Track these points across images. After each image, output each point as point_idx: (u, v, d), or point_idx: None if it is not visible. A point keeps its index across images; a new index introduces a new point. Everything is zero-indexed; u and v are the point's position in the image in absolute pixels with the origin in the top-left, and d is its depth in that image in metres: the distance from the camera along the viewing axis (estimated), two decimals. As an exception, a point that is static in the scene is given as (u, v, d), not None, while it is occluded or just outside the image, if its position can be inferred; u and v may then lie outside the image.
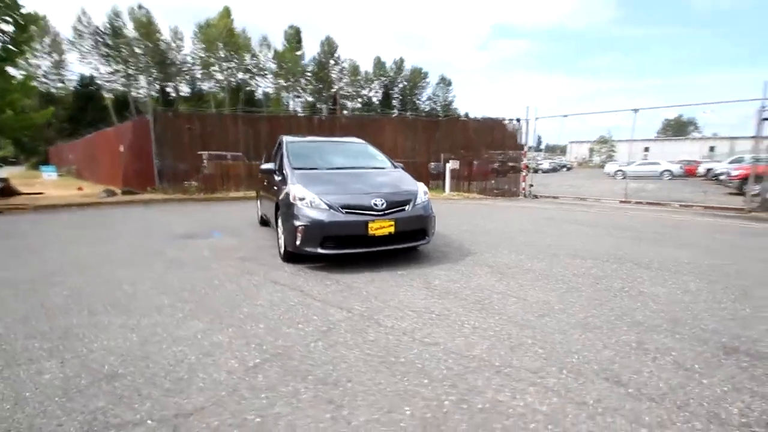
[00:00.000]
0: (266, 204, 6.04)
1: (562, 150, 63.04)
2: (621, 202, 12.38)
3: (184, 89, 51.84)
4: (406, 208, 4.32)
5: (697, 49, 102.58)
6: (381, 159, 5.60)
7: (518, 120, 14.18)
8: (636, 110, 12.44)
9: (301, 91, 58.64)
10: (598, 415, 1.80)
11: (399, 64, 63.74)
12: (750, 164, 15.68)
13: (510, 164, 13.69)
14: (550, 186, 15.27)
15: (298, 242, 4.08)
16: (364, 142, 6.20)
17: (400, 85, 65.14)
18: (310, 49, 64.97)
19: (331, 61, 58.79)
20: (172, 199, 11.83)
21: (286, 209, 4.26)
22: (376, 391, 1.98)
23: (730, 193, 14.91)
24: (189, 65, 49.47)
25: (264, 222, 6.86)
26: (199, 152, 13.51)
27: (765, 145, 10.01)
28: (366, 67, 63.54)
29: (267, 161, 6.38)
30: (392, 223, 4.14)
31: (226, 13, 49.14)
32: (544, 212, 9.44)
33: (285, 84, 56.65)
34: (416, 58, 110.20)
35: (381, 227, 4.10)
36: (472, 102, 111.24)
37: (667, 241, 5.88)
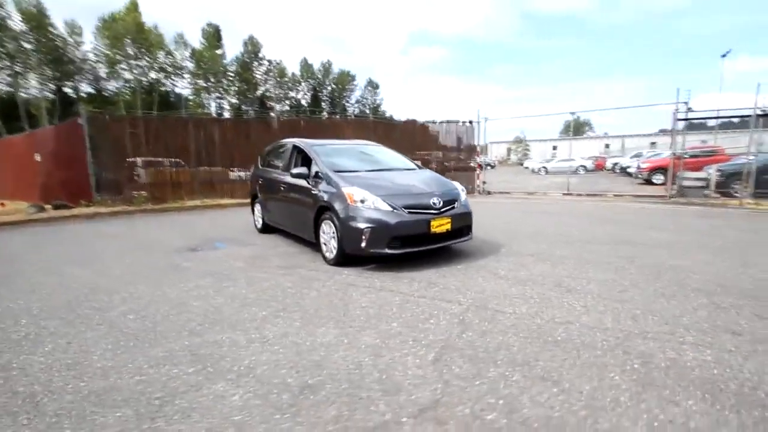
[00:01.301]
0: (282, 209, 5.82)
1: (482, 149, 68.02)
2: (564, 194, 13.92)
3: (87, 89, 45.91)
4: (456, 205, 4.56)
5: (592, 59, 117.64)
6: (403, 159, 5.77)
7: (470, 122, 15.21)
8: (573, 113, 14.10)
9: (223, 92, 55.43)
10: (752, 355, 2.22)
11: (327, 67, 63.45)
12: (659, 158, 18.59)
13: (467, 163, 14.60)
14: (491, 183, 16.52)
15: (363, 244, 4.10)
16: (377, 144, 6.29)
17: (329, 88, 64.85)
18: (232, 49, 61.76)
19: (255, 62, 56.46)
20: (121, 212, 10.62)
21: (344, 212, 4.23)
22: (569, 366, 2.20)
23: (640, 183, 17.52)
24: (91, 63, 43.91)
25: (267, 228, 6.58)
26: (130, 159, 12.20)
27: (679, 141, 12.01)
28: (293, 68, 62.15)
29: (268, 165, 6.17)
30: (449, 220, 4.36)
31: (134, 6, 44.60)
32: (513, 206, 10.31)
33: (205, 84, 53.09)
34: (342, 61, 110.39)
35: (440, 225, 4.29)
36: (397, 105, 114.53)
37: (640, 225, 6.89)
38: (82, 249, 5.86)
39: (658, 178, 17.00)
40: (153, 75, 48.27)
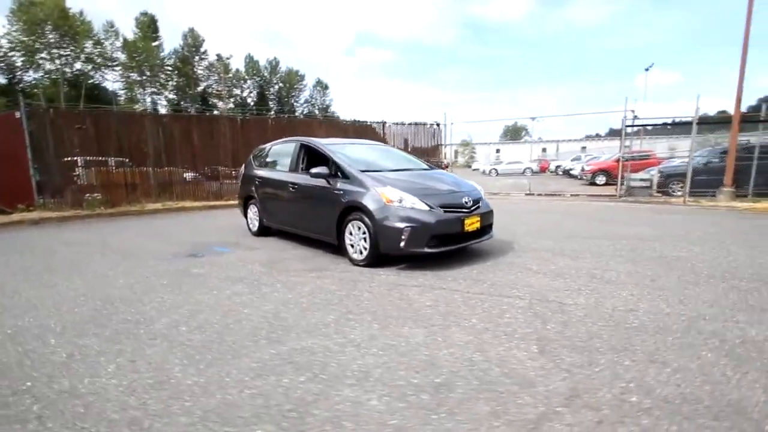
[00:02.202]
0: (291, 210, 5.60)
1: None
2: (526, 194, 14.80)
3: (-1, 80, 40.32)
4: (481, 204, 4.70)
5: (524, 67, 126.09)
6: (415, 159, 5.82)
7: (438, 124, 15.66)
8: (534, 118, 15.07)
9: (160, 87, 51.61)
10: (797, 333, 2.57)
11: (274, 65, 61.54)
12: (601, 161, 20.32)
13: (437, 164, 14.96)
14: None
15: (402, 244, 4.09)
16: (381, 143, 6.28)
17: (276, 87, 62.97)
18: (169, 43, 57.70)
19: (197, 57, 53.29)
20: (72, 217, 9.54)
21: (380, 213, 4.18)
22: (665, 348, 2.39)
23: (584, 184, 19.10)
24: (4, 51, 38.69)
25: (264, 231, 6.30)
26: (68, 158, 10.96)
27: (621, 144, 13.30)
28: (237, 65, 59.40)
29: (266, 165, 5.91)
30: (479, 218, 4.48)
31: (55, -11, 40.01)
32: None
33: (139, 78, 49.08)
34: (287, 60, 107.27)
35: (472, 223, 4.40)
36: (346, 106, 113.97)
37: (614, 221, 7.55)
38: (54, 259, 5.20)
39: (600, 180, 18.73)
40: (79, 66, 43.71)
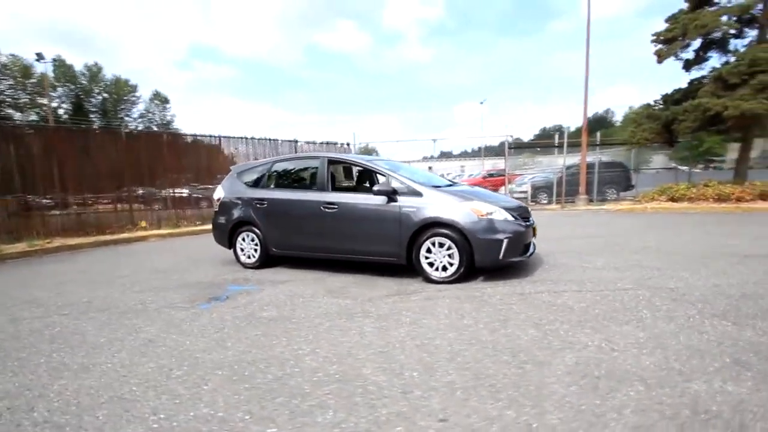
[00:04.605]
0: (326, 232, 4.92)
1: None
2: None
3: None
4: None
5: (361, 95, 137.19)
6: (438, 176, 5.92)
7: (348, 144, 15.81)
8: (434, 140, 16.63)
9: None
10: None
11: (95, 71, 51.17)
12: (472, 178, 23.48)
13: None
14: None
15: (501, 255, 4.15)
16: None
17: (99, 97, 52.45)
18: None
19: (-25, 52, 40.30)
20: None
21: (475, 226, 4.15)
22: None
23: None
24: None
25: (268, 261, 5.42)
26: None
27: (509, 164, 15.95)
28: (44, 68, 47.11)
29: (271, 186, 5.18)
30: (535, 229, 4.87)
31: None
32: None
33: None
34: (111, 68, 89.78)
35: (534, 233, 4.78)
36: (189, 123, 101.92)
37: (553, 225, 9.07)
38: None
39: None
40: None
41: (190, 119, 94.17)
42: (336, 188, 5.18)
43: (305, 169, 5.36)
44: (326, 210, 4.87)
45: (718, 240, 6.30)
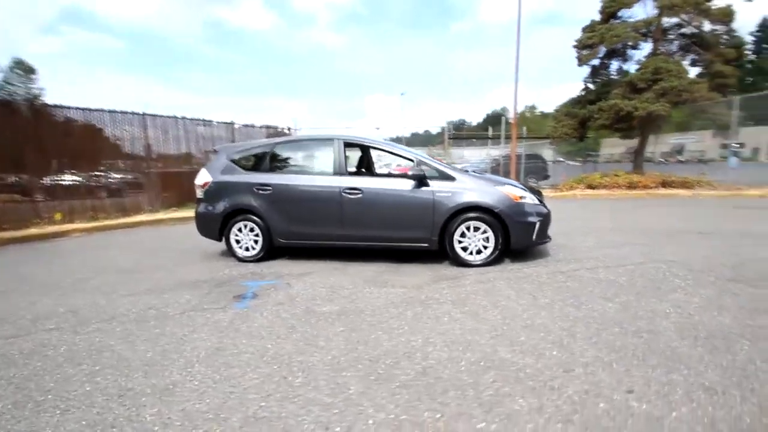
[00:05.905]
0: (351, 219, 4.58)
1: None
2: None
3: None
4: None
5: (270, 78, 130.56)
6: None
7: (290, 129, 14.96)
8: (378, 128, 16.52)
9: None
10: (770, 252, 4.62)
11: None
12: (402, 167, 24.11)
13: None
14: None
15: (534, 237, 4.34)
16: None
17: (-65, 61, 41.47)
18: None
19: None
20: None
21: (512, 209, 4.26)
22: None
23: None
24: None
25: (271, 252, 4.92)
26: None
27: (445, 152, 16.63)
28: None
29: (264, 169, 4.66)
30: (544, 213, 5.18)
31: None
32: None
33: None
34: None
35: (546, 217, 5.08)
36: (64, 97, 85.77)
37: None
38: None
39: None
40: None
41: (68, 93, 79.80)
42: (354, 173, 4.88)
43: (316, 151, 4.93)
44: (348, 196, 4.56)
45: (665, 220, 7.35)
